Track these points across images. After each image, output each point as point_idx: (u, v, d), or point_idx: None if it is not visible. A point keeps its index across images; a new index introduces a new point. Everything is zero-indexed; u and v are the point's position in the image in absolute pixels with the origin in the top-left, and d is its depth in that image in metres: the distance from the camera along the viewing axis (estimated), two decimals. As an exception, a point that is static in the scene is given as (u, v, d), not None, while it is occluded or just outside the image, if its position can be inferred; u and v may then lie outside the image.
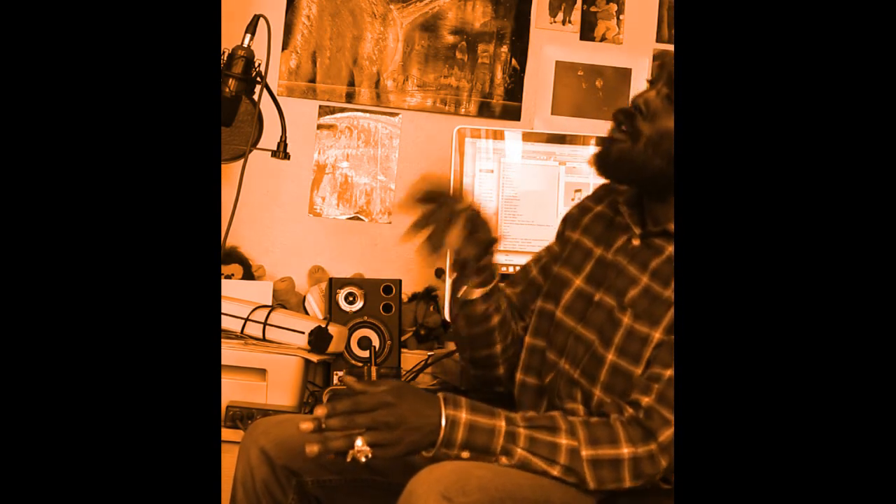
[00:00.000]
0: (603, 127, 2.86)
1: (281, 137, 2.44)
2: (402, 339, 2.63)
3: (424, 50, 2.89)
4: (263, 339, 2.42)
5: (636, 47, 2.93)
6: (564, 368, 1.75)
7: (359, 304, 2.62)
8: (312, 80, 2.87)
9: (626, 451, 1.60)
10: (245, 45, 2.36)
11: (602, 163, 1.74)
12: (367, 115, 2.89)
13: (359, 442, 1.56)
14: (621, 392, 1.66)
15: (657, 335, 1.66)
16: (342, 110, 2.88)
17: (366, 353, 2.57)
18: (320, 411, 1.60)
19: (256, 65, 2.37)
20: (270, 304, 2.53)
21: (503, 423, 1.61)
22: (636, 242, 1.75)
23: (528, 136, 2.71)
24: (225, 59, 2.35)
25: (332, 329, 2.41)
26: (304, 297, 2.72)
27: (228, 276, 2.69)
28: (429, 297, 2.75)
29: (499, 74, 2.90)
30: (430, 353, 2.56)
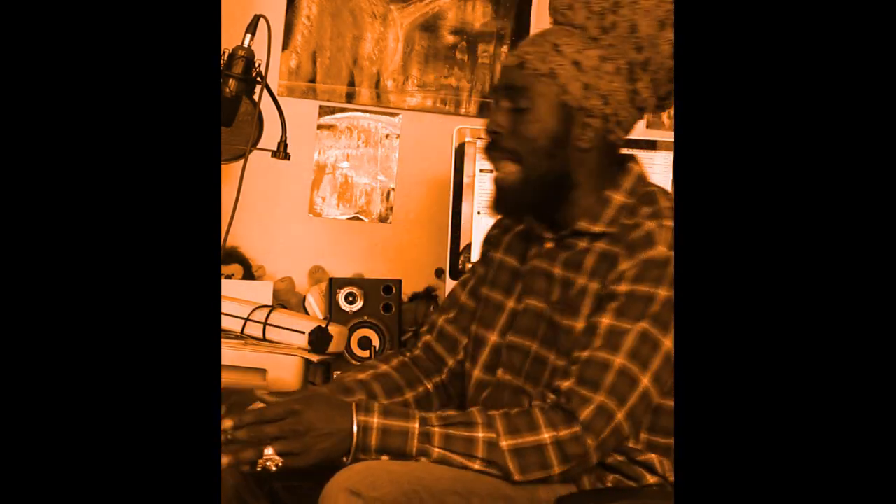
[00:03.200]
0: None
1: (281, 137, 2.44)
2: (402, 339, 2.63)
3: (424, 50, 2.89)
4: (263, 339, 2.42)
5: (636, 47, 2.93)
6: (505, 380, 1.75)
7: (359, 304, 2.62)
8: (312, 80, 2.87)
9: (546, 435, 1.59)
10: (245, 45, 2.36)
11: (504, 203, 1.76)
12: (367, 115, 2.89)
13: (269, 451, 1.56)
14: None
15: (580, 325, 1.67)
16: (342, 110, 2.88)
17: (366, 353, 2.57)
18: (227, 424, 1.60)
19: (257, 65, 2.37)
20: (270, 304, 2.53)
21: (416, 425, 1.60)
22: (548, 245, 1.77)
23: (528, 136, 2.71)
24: (225, 59, 2.35)
25: (333, 329, 2.41)
26: (304, 297, 2.72)
27: (228, 276, 2.69)
28: (429, 297, 2.75)
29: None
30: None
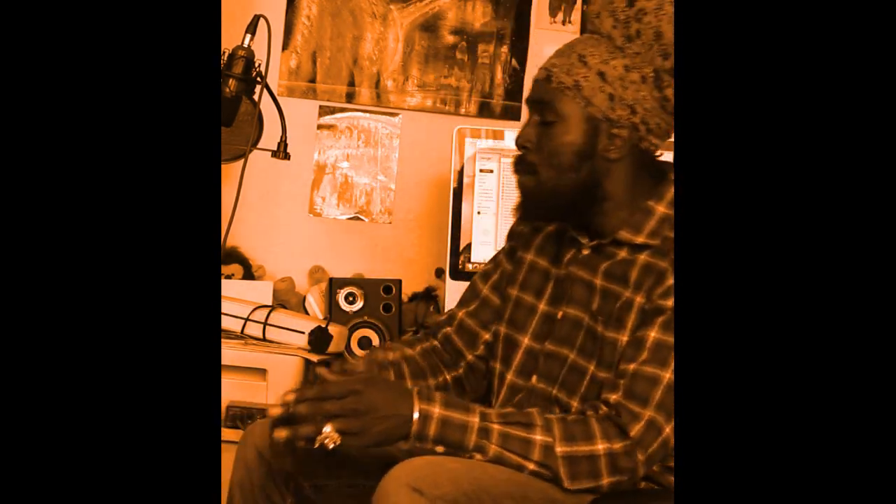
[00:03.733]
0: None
1: (281, 137, 2.44)
2: (403, 338, 2.63)
3: (424, 50, 2.89)
4: (263, 339, 2.42)
5: (636, 47, 2.93)
6: (539, 388, 1.75)
7: (359, 304, 2.62)
8: (312, 80, 2.87)
9: (601, 447, 1.59)
10: (245, 45, 2.36)
11: (523, 207, 1.77)
12: (367, 115, 2.89)
13: (327, 429, 1.55)
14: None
15: (624, 338, 1.66)
16: (342, 110, 2.88)
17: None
18: (289, 397, 1.60)
19: (256, 65, 2.37)
20: (270, 304, 2.53)
21: (477, 419, 1.60)
22: (586, 252, 1.76)
23: (528, 136, 2.71)
24: (225, 59, 2.35)
25: (332, 329, 2.41)
26: (304, 297, 2.72)
27: (228, 276, 2.69)
28: (429, 297, 2.75)
29: (499, 74, 2.90)
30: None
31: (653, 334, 1.64)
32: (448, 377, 1.90)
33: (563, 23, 2.91)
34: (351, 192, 2.89)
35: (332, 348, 2.40)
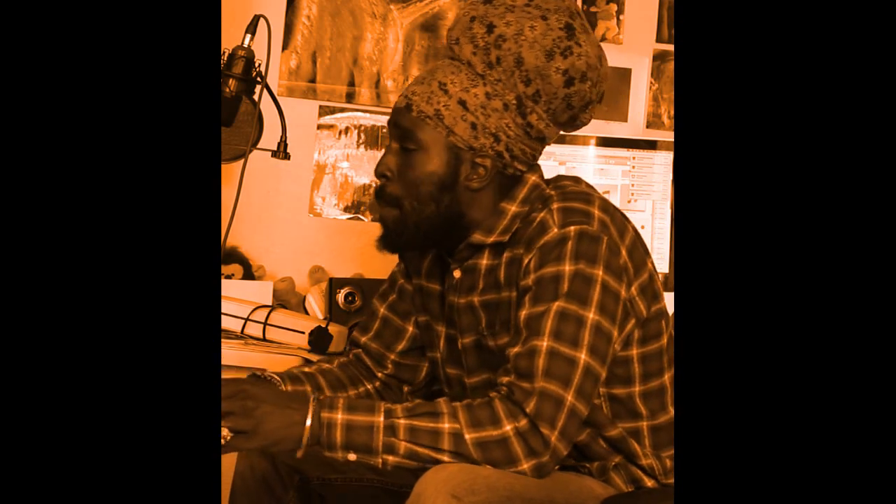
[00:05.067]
0: (603, 127, 2.88)
1: (281, 137, 2.44)
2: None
3: (424, 50, 2.89)
4: (263, 339, 2.42)
5: (636, 47, 2.93)
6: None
7: (359, 304, 2.62)
8: (312, 80, 2.87)
9: (509, 427, 1.56)
10: (245, 45, 2.36)
11: (387, 242, 1.77)
12: (368, 115, 2.89)
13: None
14: None
15: (507, 337, 1.67)
16: (342, 110, 2.88)
17: (366, 353, 2.57)
18: None
19: (256, 65, 2.37)
20: (270, 304, 2.53)
21: (381, 418, 1.57)
22: (457, 274, 1.76)
23: (528, 136, 2.71)
24: (225, 59, 2.35)
25: (333, 329, 2.41)
26: (304, 297, 2.72)
27: (228, 276, 2.69)
28: (429, 297, 2.75)
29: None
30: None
31: (524, 313, 1.63)
32: (369, 388, 1.90)
33: (563, 23, 2.90)
34: (351, 192, 2.89)
35: (332, 348, 2.40)
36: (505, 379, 1.60)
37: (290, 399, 1.59)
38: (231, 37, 2.39)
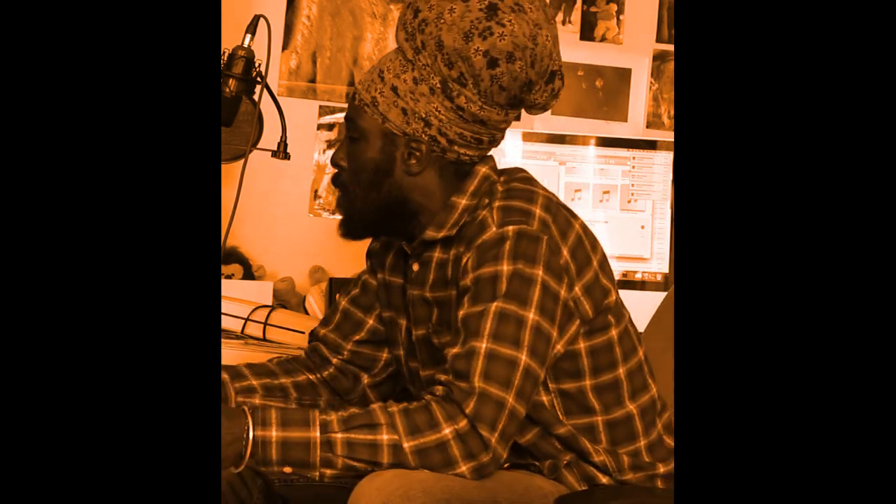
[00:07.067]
0: (604, 127, 2.88)
1: (281, 137, 2.44)
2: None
3: (424, 50, 2.89)
4: (264, 339, 2.42)
5: (636, 47, 2.93)
6: None
7: (359, 304, 2.61)
8: (312, 80, 2.87)
9: (447, 430, 1.55)
10: (245, 45, 2.36)
11: (343, 226, 1.81)
12: (367, 115, 2.88)
13: None
14: None
15: (450, 336, 1.66)
16: (342, 110, 2.88)
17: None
18: None
19: (256, 65, 2.37)
20: (270, 304, 2.53)
21: (317, 433, 1.55)
22: (416, 267, 1.76)
23: (528, 136, 2.72)
24: (225, 59, 2.35)
25: (332, 329, 2.41)
26: (304, 297, 2.72)
27: (228, 276, 2.69)
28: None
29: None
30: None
31: (462, 312, 1.63)
32: (312, 377, 1.91)
33: (564, 23, 2.91)
34: (351, 192, 2.89)
35: (332, 348, 2.40)
36: (443, 378, 1.60)
37: (225, 417, 1.55)
38: (231, 37, 2.39)
